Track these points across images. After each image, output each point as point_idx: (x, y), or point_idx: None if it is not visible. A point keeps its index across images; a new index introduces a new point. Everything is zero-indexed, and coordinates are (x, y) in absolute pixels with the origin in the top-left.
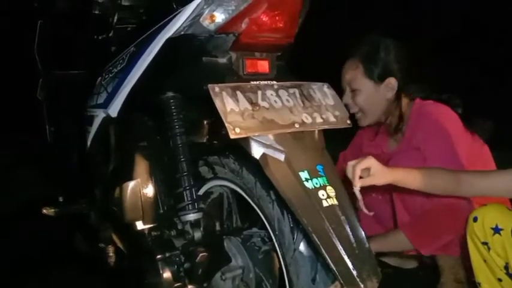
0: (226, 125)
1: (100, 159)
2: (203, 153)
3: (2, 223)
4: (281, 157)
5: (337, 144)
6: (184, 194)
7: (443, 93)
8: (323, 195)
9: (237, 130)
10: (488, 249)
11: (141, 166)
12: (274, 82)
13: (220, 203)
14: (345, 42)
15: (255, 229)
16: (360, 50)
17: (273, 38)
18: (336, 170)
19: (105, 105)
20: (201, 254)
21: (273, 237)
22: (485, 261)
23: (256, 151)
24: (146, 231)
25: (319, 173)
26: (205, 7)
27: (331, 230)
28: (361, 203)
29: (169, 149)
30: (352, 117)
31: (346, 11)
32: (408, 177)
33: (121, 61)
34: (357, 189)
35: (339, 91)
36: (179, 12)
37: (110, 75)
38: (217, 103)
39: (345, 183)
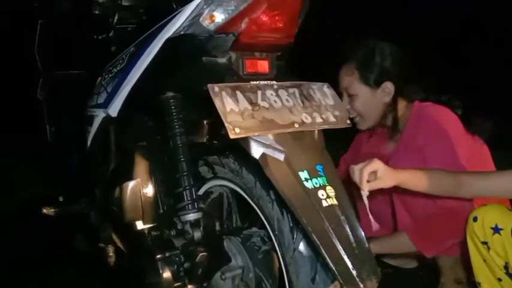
0: (226, 125)
1: (100, 159)
2: (203, 153)
3: (2, 223)
4: (281, 157)
5: (337, 144)
6: (184, 194)
7: (442, 94)
8: (323, 195)
9: (237, 130)
10: (488, 249)
11: (141, 166)
12: (274, 82)
13: (220, 202)
14: (345, 43)
15: (254, 229)
16: (355, 55)
17: (273, 38)
18: (336, 170)
19: (105, 105)
20: (200, 254)
21: (273, 237)
22: (485, 261)
23: (256, 151)
24: (146, 231)
25: (319, 172)
26: (205, 7)
27: (331, 230)
28: (368, 210)
29: (169, 149)
30: (351, 119)
31: (346, 11)
32: (413, 179)
33: (121, 61)
34: (365, 194)
35: (339, 91)
36: (179, 12)
37: (110, 75)
38: (217, 103)
39: (344, 184)
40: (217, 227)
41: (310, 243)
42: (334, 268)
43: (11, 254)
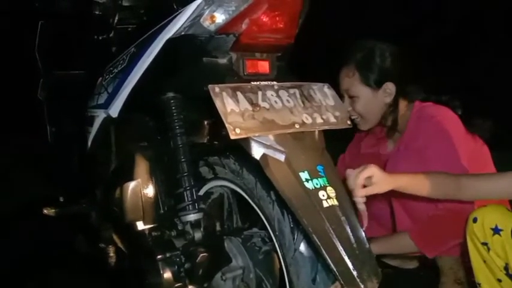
0: (226, 125)
1: (100, 159)
2: (203, 153)
3: (2, 223)
4: (281, 157)
5: (337, 144)
6: (185, 195)
7: (442, 95)
8: (323, 195)
9: (238, 131)
10: (488, 249)
11: (142, 166)
12: (275, 82)
13: (220, 203)
14: (345, 43)
15: (255, 229)
16: (355, 56)
17: (273, 38)
18: (336, 171)
19: (106, 105)
20: (201, 254)
21: (273, 238)
22: (485, 261)
23: (257, 151)
24: (147, 232)
25: (320, 173)
26: (205, 8)
27: (332, 231)
28: (364, 216)
29: (170, 150)
30: (351, 120)
31: (346, 11)
32: (412, 184)
33: (121, 61)
34: (360, 200)
35: (340, 92)
36: (179, 12)
37: (111, 76)
38: (218, 104)
39: (345, 184)
40: (218, 228)
41: (310, 243)
42: (334, 269)
43: (11, 254)
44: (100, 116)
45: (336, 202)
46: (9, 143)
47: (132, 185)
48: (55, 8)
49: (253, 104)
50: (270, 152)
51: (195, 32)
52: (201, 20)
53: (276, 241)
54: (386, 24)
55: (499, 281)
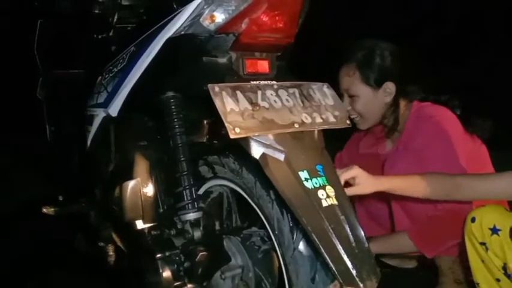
0: (226, 124)
1: (100, 158)
2: (203, 152)
3: (2, 223)
4: (281, 157)
5: (336, 144)
6: (184, 194)
7: (441, 94)
8: (322, 195)
9: (237, 130)
10: (486, 249)
11: (141, 165)
12: (274, 82)
13: (220, 202)
14: (345, 43)
15: (254, 228)
16: (356, 55)
17: (273, 38)
18: (335, 170)
19: (106, 104)
20: (200, 253)
21: (273, 237)
22: (483, 261)
23: (256, 151)
24: (146, 231)
25: (319, 172)
26: (205, 7)
27: (331, 230)
28: None
29: (169, 149)
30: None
31: (346, 11)
32: (405, 185)
33: (121, 61)
34: None
35: (339, 91)
36: (179, 12)
37: (110, 75)
38: (217, 103)
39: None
40: (217, 227)
41: (310, 242)
42: (333, 268)
43: (11, 254)
44: (99, 115)
45: (335, 201)
46: (8, 143)
47: (131, 184)
48: (54, 7)
49: (253, 104)
50: (269, 152)
51: (194, 31)
52: (201, 19)
53: (275, 240)
54: (387, 24)
55: (498, 280)
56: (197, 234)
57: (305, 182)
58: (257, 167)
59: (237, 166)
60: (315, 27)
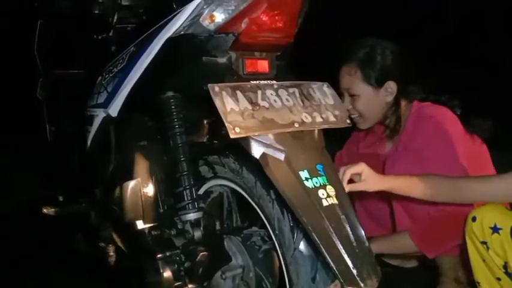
0: (226, 124)
1: (100, 158)
2: (203, 152)
3: (2, 223)
4: (281, 156)
5: (336, 143)
6: (185, 194)
7: (441, 94)
8: (323, 194)
9: (237, 130)
10: (487, 248)
11: (142, 165)
12: (274, 82)
13: (220, 202)
14: (345, 43)
15: (255, 228)
16: (357, 54)
17: (273, 37)
18: (336, 170)
19: (106, 104)
20: (201, 253)
21: (273, 237)
22: (484, 260)
23: (256, 151)
24: (146, 231)
25: (319, 172)
26: (205, 7)
27: (331, 229)
28: None
29: (170, 149)
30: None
31: (346, 11)
32: (406, 186)
33: (121, 61)
34: None
35: (339, 91)
36: (179, 12)
37: (110, 75)
38: (217, 103)
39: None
40: (218, 227)
41: (310, 242)
42: (334, 267)
43: (11, 254)
44: (99, 115)
45: (335, 201)
46: (8, 143)
47: (131, 184)
48: (54, 7)
49: (253, 103)
50: (269, 151)
51: (194, 31)
52: (201, 19)
53: (276, 240)
54: (387, 24)
55: (498, 279)
56: (197, 234)
57: (305, 182)
58: (257, 167)
59: (237, 166)
60: (315, 27)
